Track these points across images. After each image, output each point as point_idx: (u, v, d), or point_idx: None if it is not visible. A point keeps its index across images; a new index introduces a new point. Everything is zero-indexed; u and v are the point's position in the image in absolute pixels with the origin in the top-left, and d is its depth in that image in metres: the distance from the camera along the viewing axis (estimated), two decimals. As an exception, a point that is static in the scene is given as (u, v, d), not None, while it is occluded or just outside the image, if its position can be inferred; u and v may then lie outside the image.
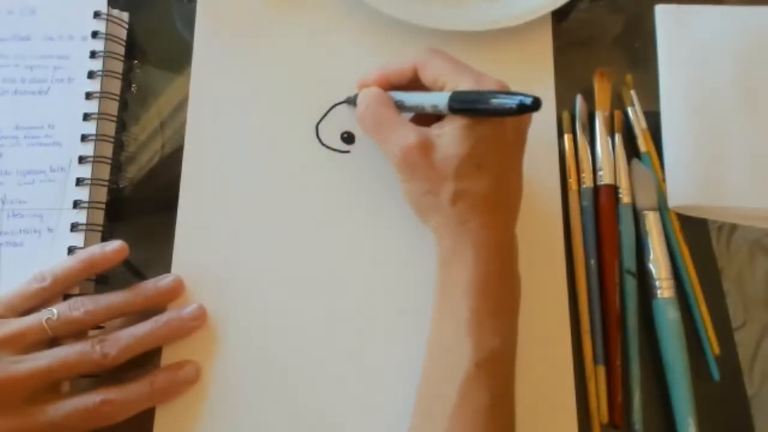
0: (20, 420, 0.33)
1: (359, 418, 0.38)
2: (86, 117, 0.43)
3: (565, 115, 0.45)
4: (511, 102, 0.31)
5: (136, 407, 0.36)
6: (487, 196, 0.34)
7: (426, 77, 0.37)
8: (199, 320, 0.39)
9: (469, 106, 0.33)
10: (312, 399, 0.38)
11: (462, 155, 0.34)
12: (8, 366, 0.33)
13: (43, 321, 0.35)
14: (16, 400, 0.33)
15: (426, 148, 0.34)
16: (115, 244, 0.38)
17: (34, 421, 0.33)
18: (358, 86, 0.41)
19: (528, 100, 0.30)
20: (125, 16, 0.47)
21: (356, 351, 0.39)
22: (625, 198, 0.43)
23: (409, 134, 0.35)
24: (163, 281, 0.39)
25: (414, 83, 0.38)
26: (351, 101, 0.43)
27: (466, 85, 0.34)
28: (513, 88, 0.45)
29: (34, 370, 0.34)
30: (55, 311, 0.35)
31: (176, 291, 0.39)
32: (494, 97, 0.32)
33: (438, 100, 0.34)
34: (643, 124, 0.45)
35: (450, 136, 0.34)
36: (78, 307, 0.36)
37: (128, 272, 0.40)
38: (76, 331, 0.36)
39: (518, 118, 0.35)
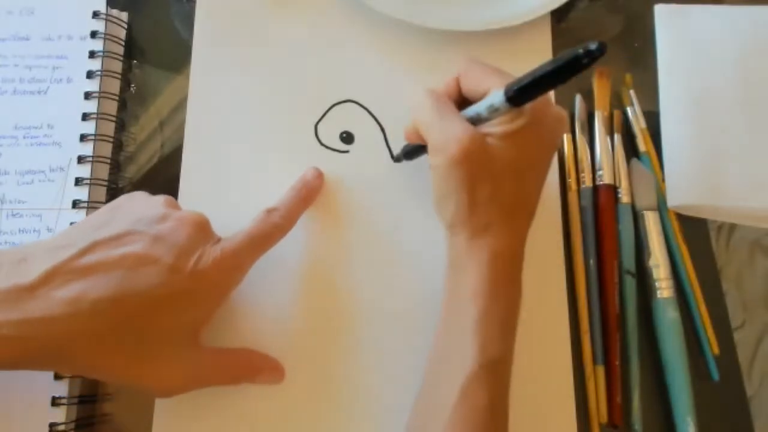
0: None
1: (359, 417, 0.38)
2: (85, 117, 0.43)
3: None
4: (576, 52, 0.27)
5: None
6: (513, 202, 0.34)
7: (467, 85, 0.36)
8: (321, 178, 0.42)
9: (528, 82, 0.30)
10: (312, 397, 0.39)
11: (508, 159, 0.33)
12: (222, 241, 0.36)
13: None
14: None
15: (481, 145, 0.33)
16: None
17: None
18: (407, 133, 0.39)
19: (593, 45, 0.27)
20: (124, 15, 0.47)
21: (357, 348, 0.40)
22: (624, 198, 0.43)
23: (467, 128, 0.33)
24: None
25: (462, 98, 0.37)
26: (399, 157, 0.43)
27: (506, 83, 0.33)
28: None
29: (245, 237, 0.36)
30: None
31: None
32: (554, 60, 0.29)
33: (493, 99, 0.33)
34: (643, 123, 0.45)
35: (498, 137, 0.33)
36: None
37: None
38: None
39: (556, 125, 0.35)
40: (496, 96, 0.32)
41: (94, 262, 0.32)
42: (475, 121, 0.34)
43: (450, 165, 0.33)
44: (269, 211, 0.38)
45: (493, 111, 0.33)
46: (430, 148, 0.35)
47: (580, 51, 0.27)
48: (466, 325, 0.33)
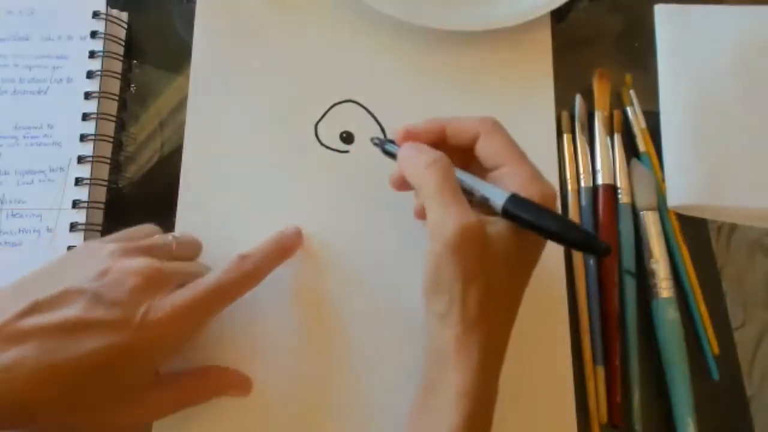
0: None
1: (359, 418, 0.38)
2: (85, 117, 0.43)
3: (564, 115, 0.45)
4: (589, 236, 0.31)
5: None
6: (504, 300, 0.33)
7: (484, 150, 0.35)
8: (300, 236, 0.41)
9: (529, 219, 0.31)
10: (310, 400, 0.39)
11: (505, 255, 0.32)
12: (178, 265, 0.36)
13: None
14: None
15: (483, 235, 0.31)
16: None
17: None
18: (400, 134, 0.37)
19: (600, 246, 0.30)
20: (124, 15, 0.47)
21: (355, 351, 0.40)
22: (624, 198, 0.43)
23: (470, 213, 0.32)
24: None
25: (464, 150, 0.36)
26: (380, 143, 0.38)
27: (520, 180, 0.33)
28: (512, 88, 0.46)
29: (209, 287, 0.34)
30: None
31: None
32: (559, 224, 0.31)
33: (493, 195, 0.32)
34: (643, 123, 0.45)
35: (503, 232, 0.32)
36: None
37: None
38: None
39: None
40: (497, 197, 0.32)
41: (32, 327, 0.31)
42: (468, 192, 0.34)
43: (446, 254, 0.31)
44: (242, 258, 0.36)
45: (484, 203, 0.33)
46: (428, 229, 0.33)
47: (593, 241, 0.30)
48: (449, 428, 0.31)
